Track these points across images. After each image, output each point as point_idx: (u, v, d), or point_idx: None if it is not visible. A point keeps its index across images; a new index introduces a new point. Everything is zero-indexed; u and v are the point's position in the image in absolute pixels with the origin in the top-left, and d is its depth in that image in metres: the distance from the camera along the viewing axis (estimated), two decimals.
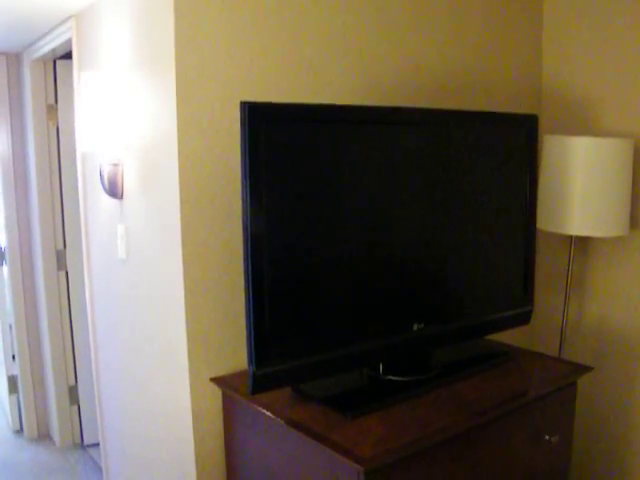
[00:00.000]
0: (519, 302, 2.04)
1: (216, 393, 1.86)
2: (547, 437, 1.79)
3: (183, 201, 1.76)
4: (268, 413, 1.58)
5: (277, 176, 1.47)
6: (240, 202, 1.81)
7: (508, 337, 2.28)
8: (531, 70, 2.63)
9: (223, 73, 1.78)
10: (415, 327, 1.76)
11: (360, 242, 1.64)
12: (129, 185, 2.07)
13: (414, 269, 1.76)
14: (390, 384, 1.73)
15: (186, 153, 1.75)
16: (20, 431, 3.65)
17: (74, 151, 2.68)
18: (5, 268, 3.49)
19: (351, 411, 1.54)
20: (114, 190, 2.12)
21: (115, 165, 2.11)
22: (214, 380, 1.82)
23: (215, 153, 1.79)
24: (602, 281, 2.55)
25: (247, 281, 1.45)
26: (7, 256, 3.41)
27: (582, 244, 2.58)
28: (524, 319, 2.07)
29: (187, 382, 1.83)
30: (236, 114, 1.80)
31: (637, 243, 2.43)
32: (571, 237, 2.42)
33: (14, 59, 3.28)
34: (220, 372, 1.87)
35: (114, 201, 2.18)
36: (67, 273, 3.32)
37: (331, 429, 1.48)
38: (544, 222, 2.32)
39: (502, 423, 1.67)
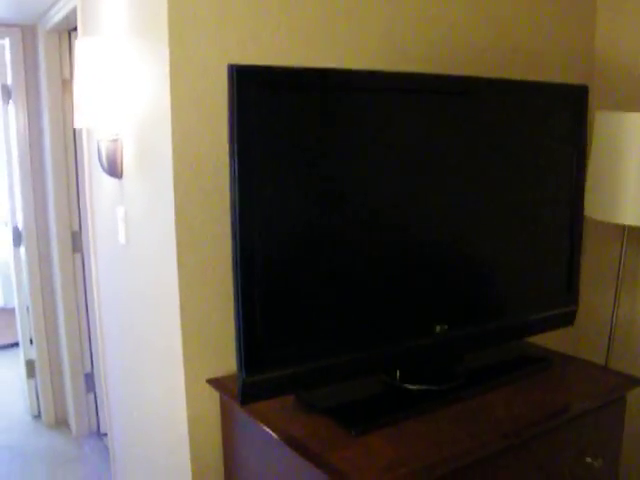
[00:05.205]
0: (562, 301, 1.78)
1: (214, 395, 1.67)
2: (589, 460, 1.54)
3: (177, 179, 1.56)
4: (263, 425, 1.38)
5: (272, 152, 1.25)
6: None
7: (548, 340, 2.03)
8: (583, 39, 2.33)
9: (221, 38, 1.56)
10: (438, 329, 1.53)
11: (372, 228, 1.41)
12: (128, 163, 1.89)
13: (437, 261, 1.52)
14: (406, 394, 1.50)
15: (180, 125, 1.54)
16: (38, 416, 3.56)
17: None
18: (22, 249, 3.38)
19: (357, 427, 1.33)
20: (113, 169, 1.94)
21: (114, 141, 1.92)
22: (211, 382, 1.63)
23: (212, 125, 1.58)
24: None
25: (235, 274, 1.25)
26: (24, 237, 3.30)
27: (636, 235, 2.30)
28: (567, 320, 1.81)
29: (182, 383, 1.64)
30: None
31: None
32: (624, 227, 2.15)
33: (29, 31, 3.13)
34: (219, 373, 1.68)
35: (114, 181, 2.01)
36: (83, 255, 3.19)
37: (332, 448, 1.27)
38: (593, 209, 2.05)
39: (538, 444, 1.44)
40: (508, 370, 1.65)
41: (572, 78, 2.32)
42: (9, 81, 3.22)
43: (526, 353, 1.81)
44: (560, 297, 1.78)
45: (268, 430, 1.36)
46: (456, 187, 1.52)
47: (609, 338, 2.19)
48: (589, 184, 2.05)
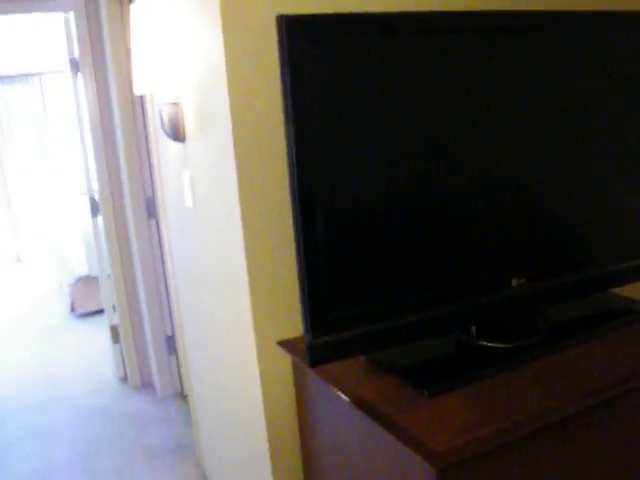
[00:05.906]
0: None
1: (286, 357, 1.66)
2: None
3: (237, 140, 1.52)
4: (333, 387, 1.35)
5: (330, 107, 1.19)
6: None
7: (637, 292, 1.90)
8: None
9: None
10: (514, 282, 1.44)
11: (443, 176, 1.32)
12: (190, 126, 1.87)
13: (513, 209, 1.43)
14: (483, 351, 1.44)
15: (237, 82, 1.50)
16: (125, 379, 3.70)
17: None
18: (100, 219, 3.47)
19: (430, 387, 1.28)
20: (175, 133, 1.93)
21: (174, 105, 1.91)
22: (281, 344, 1.62)
23: (270, 80, 1.52)
24: None
25: (297, 232, 1.21)
26: (100, 207, 3.38)
27: None
28: None
29: (254, 346, 1.64)
30: None
31: None
32: None
33: (92, 2, 3.14)
34: (291, 334, 1.66)
35: (178, 145, 2.00)
36: (158, 221, 3.24)
37: (404, 410, 1.23)
38: None
39: (622, 403, 1.35)
40: (592, 324, 1.55)
41: None
42: (77, 54, 3.26)
43: (612, 306, 1.70)
44: None
45: (339, 392, 1.33)
46: (536, 129, 1.41)
47: None
48: None
